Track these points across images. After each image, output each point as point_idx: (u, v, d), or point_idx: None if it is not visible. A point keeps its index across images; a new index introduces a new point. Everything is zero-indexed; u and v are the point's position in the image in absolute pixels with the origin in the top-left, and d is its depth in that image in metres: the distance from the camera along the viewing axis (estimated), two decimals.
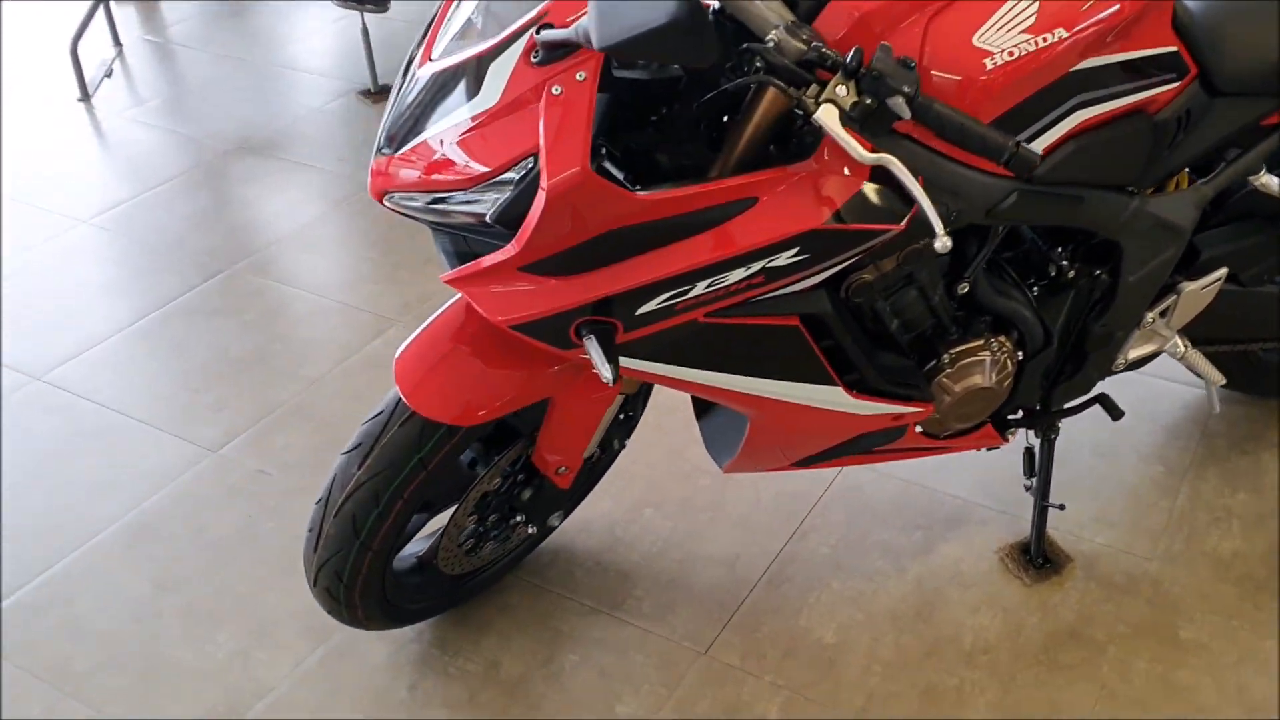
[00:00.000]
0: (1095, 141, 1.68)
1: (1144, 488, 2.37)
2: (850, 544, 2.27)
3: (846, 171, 1.50)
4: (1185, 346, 2.15)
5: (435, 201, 1.50)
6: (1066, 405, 2.08)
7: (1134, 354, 2.12)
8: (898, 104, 1.39)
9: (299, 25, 4.70)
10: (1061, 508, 2.16)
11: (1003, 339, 1.86)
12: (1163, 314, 2.06)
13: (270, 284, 3.12)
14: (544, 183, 1.37)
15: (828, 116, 1.40)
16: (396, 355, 1.70)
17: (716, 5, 1.53)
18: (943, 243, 1.53)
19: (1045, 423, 2.10)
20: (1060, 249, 1.86)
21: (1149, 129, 1.72)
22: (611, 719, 1.96)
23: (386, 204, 1.58)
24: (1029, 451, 2.15)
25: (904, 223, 1.53)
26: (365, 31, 4.01)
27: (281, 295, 3.07)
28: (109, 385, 2.76)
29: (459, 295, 1.78)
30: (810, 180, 1.50)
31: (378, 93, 4.12)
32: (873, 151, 1.42)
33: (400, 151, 1.52)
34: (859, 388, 1.76)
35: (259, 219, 3.44)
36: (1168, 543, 2.24)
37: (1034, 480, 2.18)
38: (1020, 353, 1.89)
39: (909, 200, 1.49)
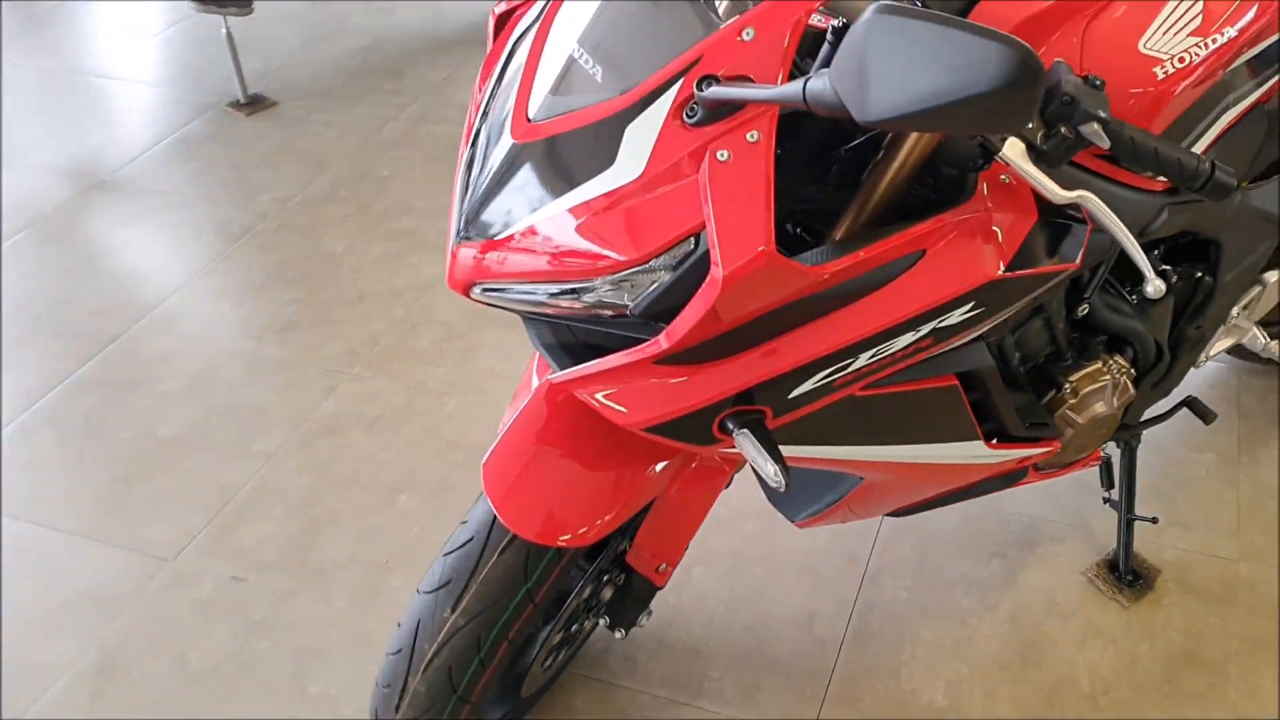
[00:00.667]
0: (1227, 143, 1.52)
1: (1204, 481, 2.25)
2: (927, 583, 2.07)
3: (1013, 212, 1.28)
4: (1265, 338, 2.03)
5: (555, 294, 1.21)
6: (1154, 414, 1.93)
7: (1214, 350, 1.99)
8: (1093, 131, 1.16)
9: (117, 30, 4.17)
10: (1155, 520, 2.01)
11: (1119, 359, 1.68)
12: (1245, 307, 1.94)
13: (181, 344, 2.69)
14: (720, 268, 1.09)
15: (1014, 153, 1.17)
16: (484, 462, 1.40)
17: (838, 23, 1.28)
18: (1155, 286, 1.33)
19: (1131, 433, 1.95)
20: (1155, 253, 1.70)
21: (1264, 121, 1.57)
22: None
23: (474, 296, 1.27)
24: (1106, 462, 2.00)
25: (1079, 260, 1.32)
26: (230, 36, 3.55)
27: (199, 356, 2.65)
28: (18, 492, 2.31)
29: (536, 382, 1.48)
30: (977, 225, 1.27)
31: (250, 103, 3.67)
32: (1067, 189, 1.21)
33: (500, 235, 1.21)
34: (999, 437, 1.56)
35: (145, 269, 2.98)
36: (1248, 539, 2.13)
37: (1113, 492, 2.03)
38: (1134, 370, 1.72)
39: (1078, 234, 1.29)
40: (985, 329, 1.35)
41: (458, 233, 1.25)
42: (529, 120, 1.21)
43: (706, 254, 1.11)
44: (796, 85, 0.99)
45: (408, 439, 2.41)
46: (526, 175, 1.20)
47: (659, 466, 1.43)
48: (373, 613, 2.05)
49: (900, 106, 0.88)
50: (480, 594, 1.40)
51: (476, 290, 1.27)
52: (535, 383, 1.47)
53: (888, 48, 0.89)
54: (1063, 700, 1.88)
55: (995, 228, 1.27)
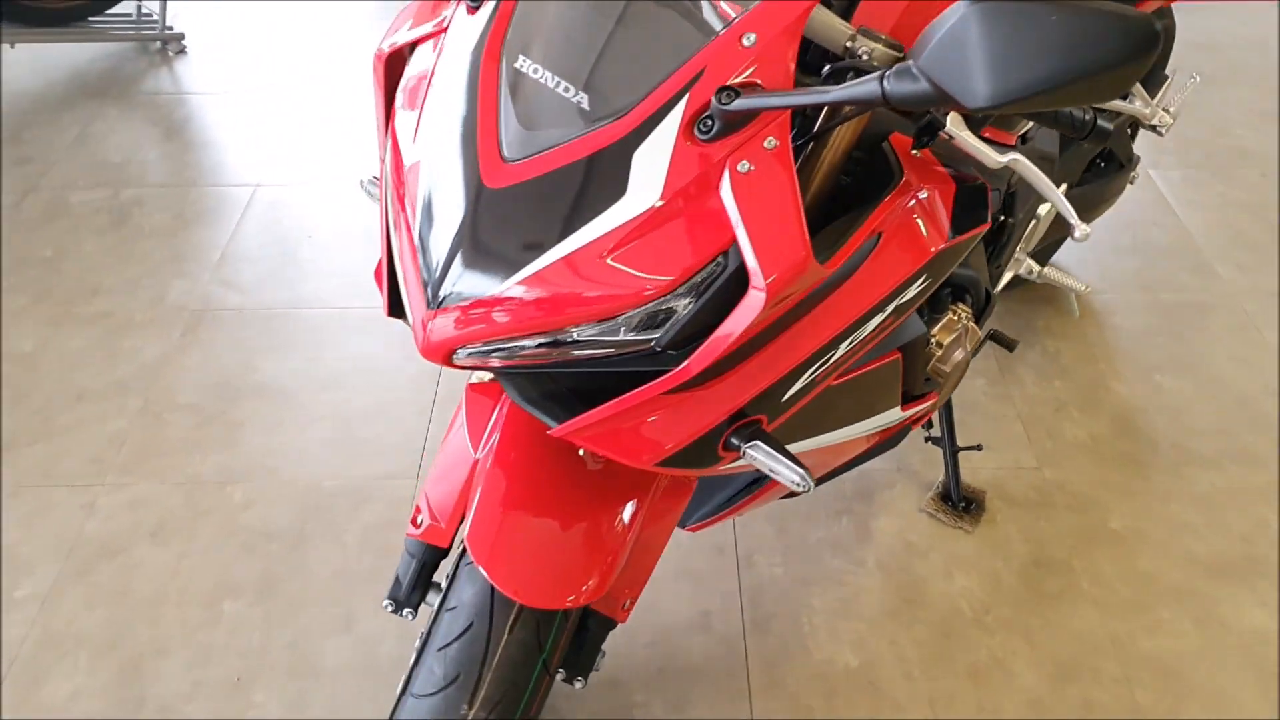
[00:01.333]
0: None
1: (985, 404, 2.47)
2: (796, 554, 2.12)
3: (935, 184, 1.34)
4: (1035, 266, 2.25)
5: (558, 343, 1.11)
6: None
7: (1002, 285, 2.18)
8: None
9: None
10: (979, 448, 2.19)
11: (962, 306, 1.81)
12: (1024, 241, 2.14)
13: None
14: (760, 279, 1.06)
15: (957, 125, 1.23)
16: (468, 538, 1.27)
17: None
18: (1082, 230, 1.44)
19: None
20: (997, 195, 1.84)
21: None
22: None
23: (457, 362, 1.15)
24: None
25: (989, 219, 1.41)
26: None
27: None
28: None
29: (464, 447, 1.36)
30: (916, 201, 1.32)
31: None
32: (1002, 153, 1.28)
33: (491, 293, 1.09)
34: (905, 399, 1.63)
35: None
36: (1039, 446, 2.36)
37: (933, 430, 2.18)
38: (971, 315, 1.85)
39: (985, 196, 1.38)
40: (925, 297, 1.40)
41: (429, 302, 1.12)
42: (503, 161, 1.10)
43: (737, 271, 1.07)
44: (872, 84, 0.97)
45: (205, 541, 2.14)
46: (514, 222, 1.09)
47: (630, 504, 1.36)
48: None
49: (1021, 89, 0.89)
50: (498, 679, 1.27)
51: (461, 355, 1.15)
52: (475, 449, 1.35)
53: (996, 35, 0.89)
54: (955, 630, 1.99)
55: (929, 200, 1.32)
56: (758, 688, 1.90)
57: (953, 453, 2.19)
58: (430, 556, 1.54)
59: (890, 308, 1.30)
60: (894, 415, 1.59)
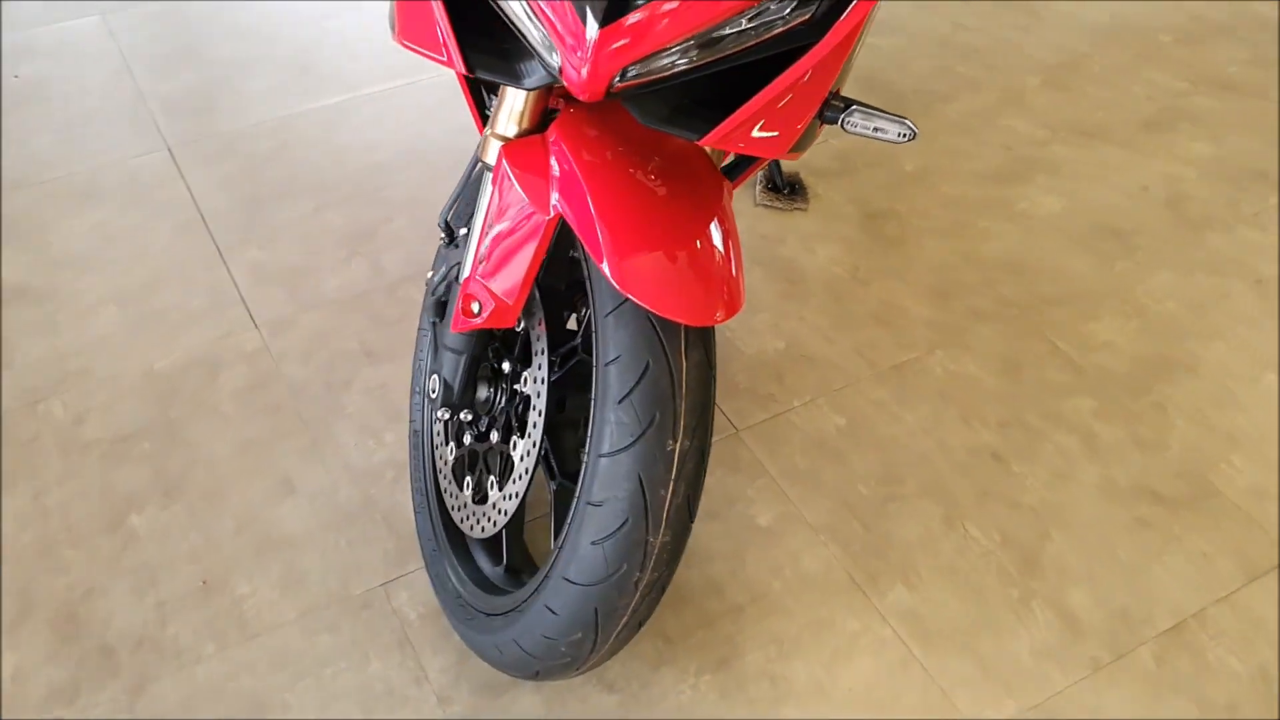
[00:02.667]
0: None
1: None
2: None
3: None
4: None
5: (711, 42, 1.05)
6: None
7: None
8: None
9: None
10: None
11: None
12: None
13: None
14: None
15: None
16: (615, 277, 1.17)
17: None
18: None
19: None
20: None
21: None
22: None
23: (615, 87, 1.05)
24: None
25: None
26: None
27: None
28: None
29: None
30: None
31: None
32: None
33: None
34: None
35: None
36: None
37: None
38: None
39: None
40: None
41: (601, 19, 1.01)
42: None
43: None
44: None
45: (56, 470, 1.80)
46: None
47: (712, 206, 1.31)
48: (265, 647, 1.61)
49: None
50: (690, 406, 1.22)
51: (632, 72, 1.05)
52: (544, 205, 1.24)
53: None
54: (841, 290, 2.15)
55: None
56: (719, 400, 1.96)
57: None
58: (479, 347, 1.42)
59: None
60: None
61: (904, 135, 1.23)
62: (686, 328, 1.22)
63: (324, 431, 1.86)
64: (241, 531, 1.72)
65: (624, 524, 1.21)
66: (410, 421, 1.71)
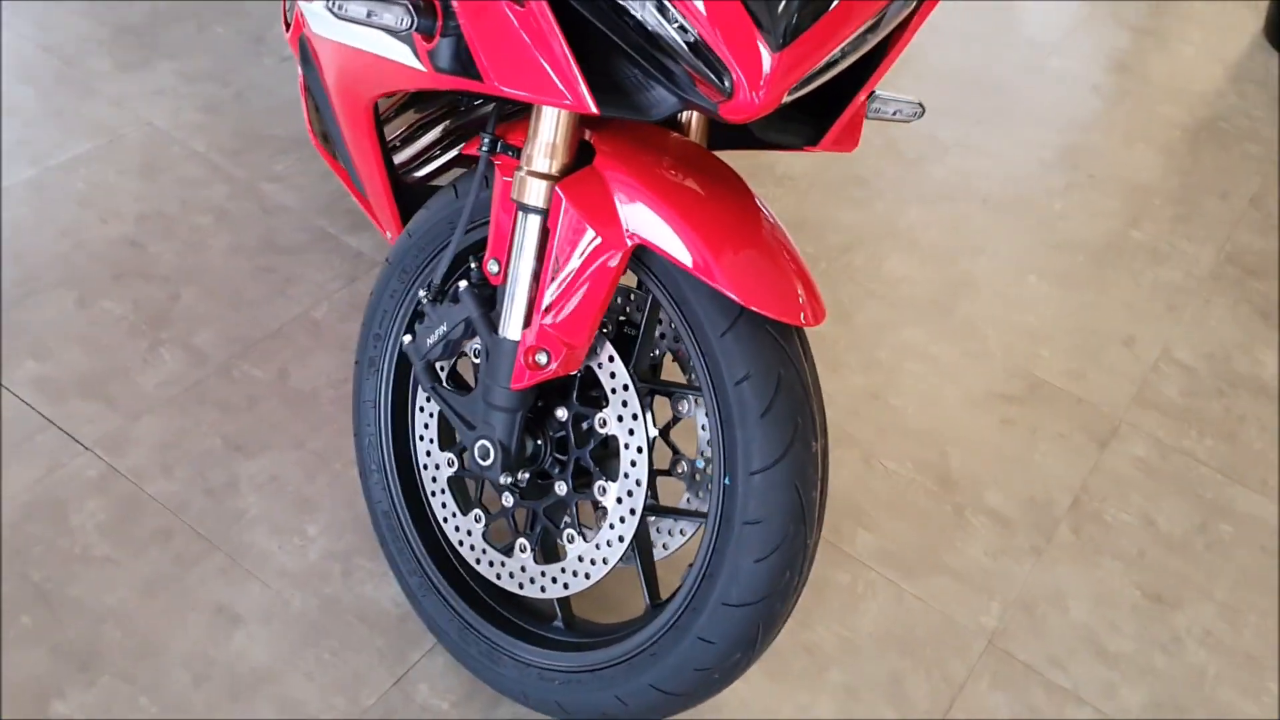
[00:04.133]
0: None
1: None
2: None
3: None
4: None
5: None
6: None
7: None
8: None
9: None
10: None
11: None
12: None
13: None
14: None
15: None
16: (734, 291, 1.16)
17: None
18: None
19: None
20: None
21: None
22: None
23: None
24: None
25: None
26: None
27: None
28: None
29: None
30: None
31: None
32: None
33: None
34: None
35: None
36: None
37: None
38: None
39: None
40: None
41: (781, 39, 1.00)
42: None
43: None
44: None
45: None
46: None
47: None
48: None
49: None
50: (819, 404, 1.24)
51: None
52: (618, 235, 1.20)
53: None
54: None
55: None
56: None
57: None
58: (527, 401, 1.33)
59: None
60: None
61: (916, 114, 1.33)
62: (798, 331, 1.24)
63: (235, 544, 1.64)
64: (202, 682, 1.48)
65: (787, 535, 1.21)
66: (376, 503, 1.56)
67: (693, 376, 1.38)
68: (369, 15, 1.12)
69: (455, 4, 1.13)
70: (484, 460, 1.34)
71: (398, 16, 1.12)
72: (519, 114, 1.34)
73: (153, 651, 1.50)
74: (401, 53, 1.24)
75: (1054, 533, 1.85)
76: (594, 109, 1.08)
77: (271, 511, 1.68)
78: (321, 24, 1.48)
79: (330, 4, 1.11)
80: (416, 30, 1.13)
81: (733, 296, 1.15)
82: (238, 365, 1.88)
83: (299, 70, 1.68)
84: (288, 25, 1.89)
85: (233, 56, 2.53)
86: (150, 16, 2.61)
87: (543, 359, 1.26)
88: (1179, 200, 2.62)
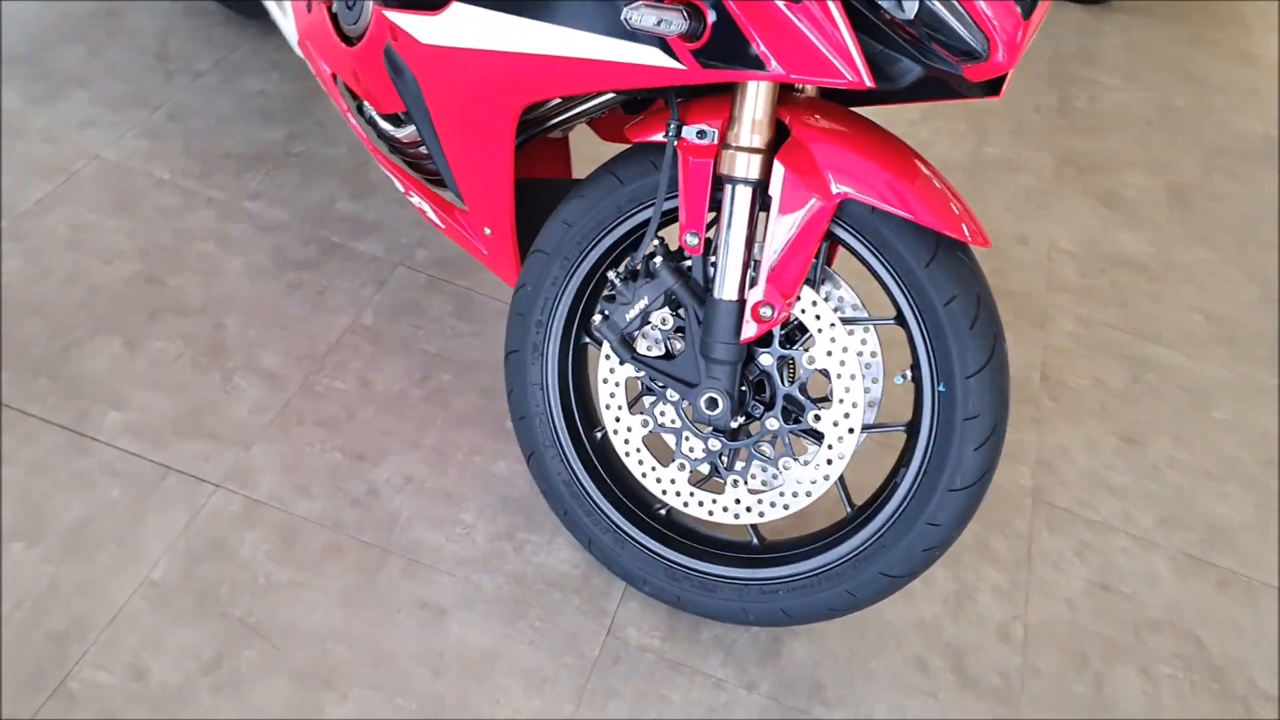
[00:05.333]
0: None
1: None
2: None
3: None
4: None
5: None
6: None
7: None
8: None
9: None
10: None
11: None
12: None
13: None
14: None
15: None
16: (939, 225, 1.39)
17: None
18: None
19: None
20: None
21: None
22: None
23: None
24: None
25: None
26: None
27: None
28: None
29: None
30: None
31: None
32: None
33: None
34: None
35: None
36: None
37: None
38: None
39: None
40: None
41: (1029, 7, 1.23)
42: None
43: None
44: None
45: None
46: None
47: None
48: None
49: None
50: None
51: None
52: (822, 190, 1.40)
53: None
54: None
55: None
56: None
57: None
58: (744, 351, 1.51)
59: None
60: None
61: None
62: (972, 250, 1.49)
63: (405, 545, 1.71)
64: (441, 673, 1.57)
65: (997, 424, 1.48)
66: (556, 475, 1.68)
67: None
68: (659, 24, 1.26)
69: (735, 5, 1.28)
70: (712, 410, 1.51)
71: (681, 23, 1.27)
72: (693, 97, 1.49)
73: (384, 657, 1.56)
74: (644, 54, 1.36)
75: (1040, 403, 2.22)
76: (870, 83, 1.27)
77: (422, 509, 1.75)
78: (452, 33, 1.55)
79: (626, 14, 1.24)
80: (693, 35, 1.28)
81: (936, 228, 1.39)
82: (317, 381, 1.90)
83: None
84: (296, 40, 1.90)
85: (143, 78, 2.44)
86: (34, 43, 2.45)
87: (767, 312, 1.45)
88: (1007, 117, 3.07)
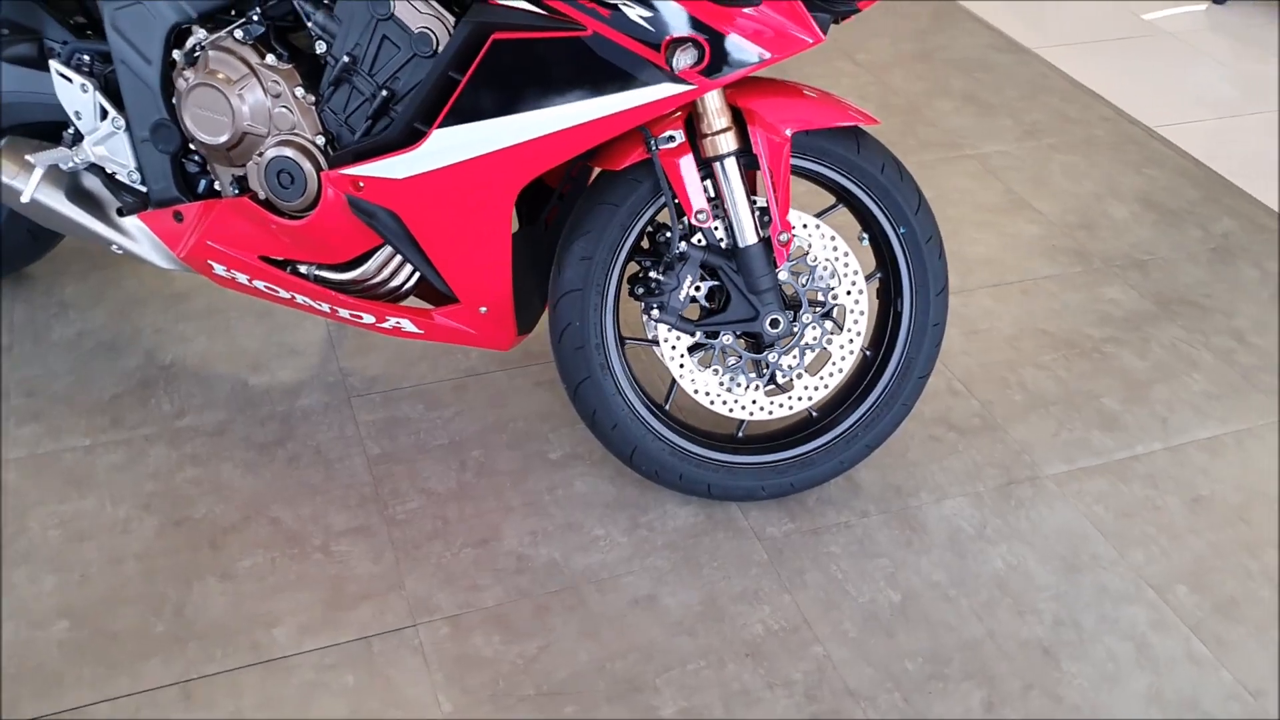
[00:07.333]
0: None
1: None
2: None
3: None
4: None
5: None
6: None
7: None
8: None
9: None
10: None
11: None
12: None
13: None
14: None
15: None
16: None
17: None
18: None
19: None
20: None
21: None
22: None
23: None
24: None
25: None
26: None
27: None
28: None
29: None
30: None
31: None
32: None
33: None
34: None
35: None
36: None
37: None
38: None
39: None
40: None
41: None
42: None
43: None
44: None
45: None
46: None
47: None
48: None
49: None
50: None
51: None
52: None
53: None
54: None
55: None
56: None
57: None
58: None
59: None
60: None
61: None
62: None
63: (580, 574, 1.97)
64: (694, 633, 1.90)
65: (941, 236, 2.05)
66: (660, 452, 2.02)
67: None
68: (695, 62, 1.65)
69: (724, 27, 1.68)
70: (776, 329, 1.95)
71: (695, 54, 1.67)
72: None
73: (653, 648, 1.86)
74: (658, 91, 1.72)
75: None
76: (824, 38, 1.73)
77: (563, 545, 2.03)
78: (435, 157, 1.80)
79: (675, 64, 1.63)
80: (700, 60, 1.68)
81: (852, 122, 1.90)
82: (395, 513, 2.07)
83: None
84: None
85: None
86: None
87: (785, 236, 1.90)
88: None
